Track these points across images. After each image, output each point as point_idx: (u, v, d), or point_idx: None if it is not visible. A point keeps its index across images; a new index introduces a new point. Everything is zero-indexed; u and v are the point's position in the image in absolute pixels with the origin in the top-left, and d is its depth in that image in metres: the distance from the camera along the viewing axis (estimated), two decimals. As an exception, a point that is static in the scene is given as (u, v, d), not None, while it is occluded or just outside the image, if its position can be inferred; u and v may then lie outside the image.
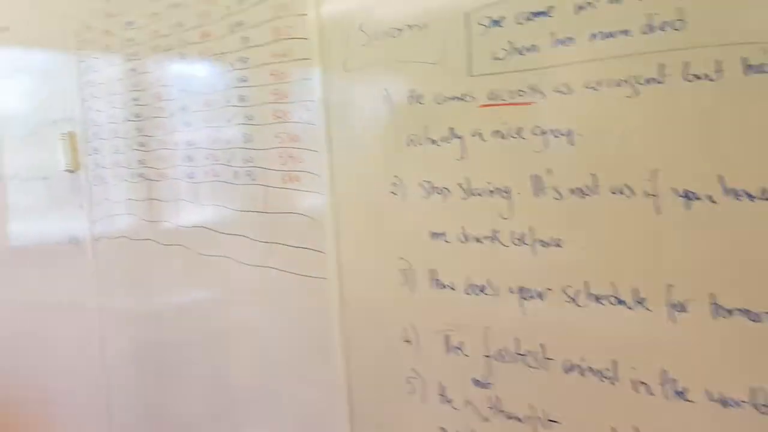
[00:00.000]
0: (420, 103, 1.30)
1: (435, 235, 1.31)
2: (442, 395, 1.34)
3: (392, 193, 1.37)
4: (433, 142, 1.29)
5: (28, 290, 2.70)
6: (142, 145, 2.08)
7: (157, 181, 2.04)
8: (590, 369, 1.11)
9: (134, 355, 2.27)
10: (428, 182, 1.31)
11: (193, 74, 1.87)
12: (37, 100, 2.53)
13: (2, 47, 2.66)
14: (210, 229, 1.88)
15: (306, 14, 1.51)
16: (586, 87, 1.06)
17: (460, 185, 1.25)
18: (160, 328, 2.14)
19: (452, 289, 1.29)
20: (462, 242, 1.26)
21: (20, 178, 2.66)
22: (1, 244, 2.80)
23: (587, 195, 1.08)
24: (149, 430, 2.22)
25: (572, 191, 1.10)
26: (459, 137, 1.24)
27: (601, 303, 1.08)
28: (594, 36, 1.04)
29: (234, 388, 1.89)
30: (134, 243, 2.16)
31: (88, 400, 2.45)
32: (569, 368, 1.14)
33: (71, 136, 2.35)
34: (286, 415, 1.73)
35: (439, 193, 1.29)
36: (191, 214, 1.94)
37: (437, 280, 1.31)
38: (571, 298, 1.12)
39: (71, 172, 2.37)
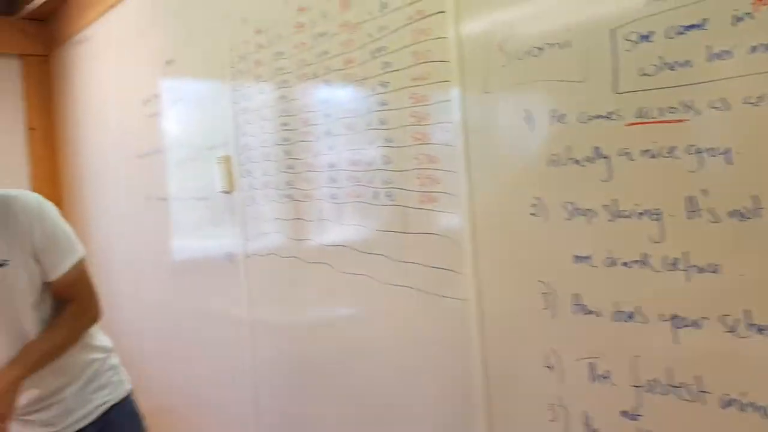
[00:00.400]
0: (562, 122, 1.28)
1: (579, 258, 1.27)
2: (586, 425, 1.29)
3: (532, 214, 1.35)
4: (577, 162, 1.25)
5: (186, 301, 2.93)
6: (290, 167, 2.20)
7: (303, 201, 2.14)
8: (751, 405, 1.03)
9: (281, 365, 2.39)
10: (571, 204, 1.27)
11: (336, 99, 1.96)
12: (197, 127, 2.75)
13: (169, 78, 2.92)
14: (351, 248, 1.94)
15: (446, 37, 1.53)
16: (746, 102, 0.99)
17: (606, 207, 1.21)
18: (305, 341, 2.23)
19: (598, 315, 1.24)
20: (608, 266, 1.21)
21: (182, 199, 2.90)
22: (165, 259, 3.06)
23: (747, 218, 1.01)
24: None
25: (731, 213, 1.02)
26: (605, 157, 1.20)
27: (764, 334, 1.00)
28: (754, 49, 0.97)
29: (371, 400, 1.93)
30: (282, 260, 2.28)
31: (237, 408, 2.60)
32: (727, 403, 1.06)
33: (226, 160, 2.53)
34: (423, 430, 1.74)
35: (582, 215, 1.25)
36: (334, 233, 2.02)
37: (581, 305, 1.27)
38: (731, 327, 1.04)
39: (227, 193, 2.54)
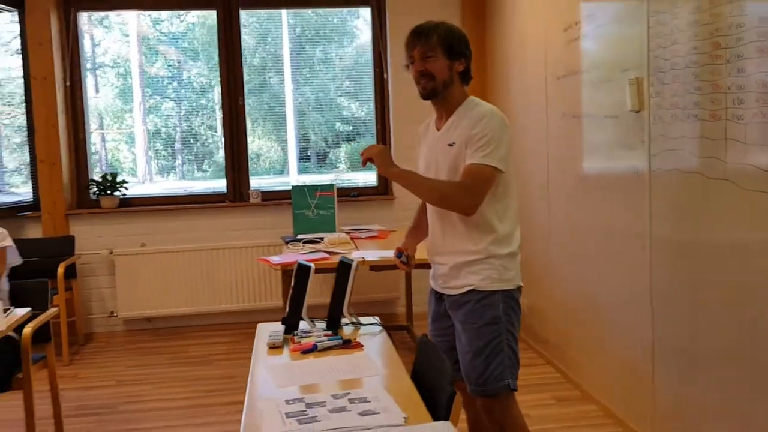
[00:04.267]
0: None
1: None
2: None
3: None
4: None
5: (591, 216, 3.29)
6: (698, 89, 2.33)
7: (709, 121, 2.27)
8: None
9: (679, 287, 2.57)
10: None
11: (750, 23, 2.01)
12: (612, 50, 3.01)
13: (590, 6, 3.20)
14: (759, 167, 2.03)
15: None
16: None
17: None
18: (704, 264, 2.39)
19: None
20: None
21: (593, 117, 3.22)
22: (574, 173, 3.45)
23: None
24: (687, 358, 2.53)
25: None
26: None
27: None
28: None
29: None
30: (685, 176, 2.46)
31: (635, 324, 2.90)
32: None
33: (638, 81, 2.76)
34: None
35: None
36: (740, 153, 2.12)
37: None
38: None
39: (636, 112, 2.78)
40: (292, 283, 2.24)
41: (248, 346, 4.54)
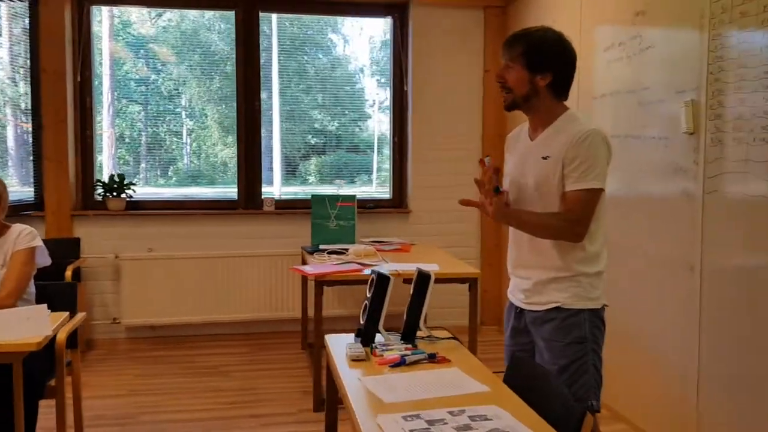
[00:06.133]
0: None
1: None
2: None
3: None
4: None
5: (633, 239, 3.28)
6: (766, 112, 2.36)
7: (782, 145, 2.29)
8: None
9: (731, 318, 2.57)
10: None
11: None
12: (665, 74, 3.02)
13: (637, 27, 3.22)
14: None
15: None
16: None
17: None
18: (758, 290, 2.40)
19: None
20: None
21: (642, 138, 3.21)
22: (625, 195, 3.44)
23: None
24: (736, 386, 2.53)
25: None
26: None
27: None
28: None
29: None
30: (748, 199, 2.47)
31: (682, 357, 2.90)
32: None
33: (693, 104, 2.77)
34: None
35: None
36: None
37: None
38: None
39: (690, 134, 2.80)
40: (368, 294, 2.16)
41: (264, 356, 4.50)
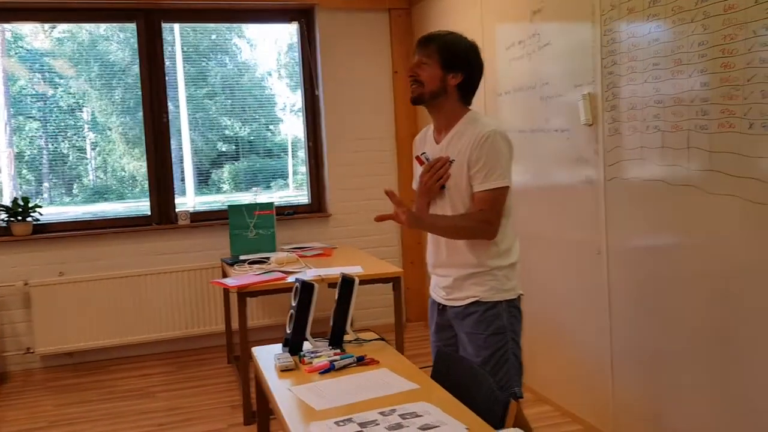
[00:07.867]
0: None
1: None
2: None
3: None
4: None
5: (541, 225, 3.43)
6: (658, 102, 2.52)
7: (670, 132, 2.45)
8: None
9: (636, 290, 2.74)
10: None
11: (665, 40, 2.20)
12: (559, 67, 3.17)
13: (535, 25, 3.36)
14: (718, 171, 2.22)
15: None
16: None
17: None
18: (661, 267, 2.56)
19: None
20: None
21: (545, 131, 3.35)
22: (527, 184, 3.57)
23: None
24: (648, 360, 2.69)
25: None
26: None
27: None
28: None
29: (736, 332, 2.21)
30: (646, 183, 2.63)
31: (595, 336, 3.05)
32: None
33: (590, 96, 2.93)
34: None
35: None
36: (700, 160, 2.31)
37: None
38: None
39: (589, 125, 2.95)
40: (293, 303, 2.16)
41: (190, 374, 4.40)
